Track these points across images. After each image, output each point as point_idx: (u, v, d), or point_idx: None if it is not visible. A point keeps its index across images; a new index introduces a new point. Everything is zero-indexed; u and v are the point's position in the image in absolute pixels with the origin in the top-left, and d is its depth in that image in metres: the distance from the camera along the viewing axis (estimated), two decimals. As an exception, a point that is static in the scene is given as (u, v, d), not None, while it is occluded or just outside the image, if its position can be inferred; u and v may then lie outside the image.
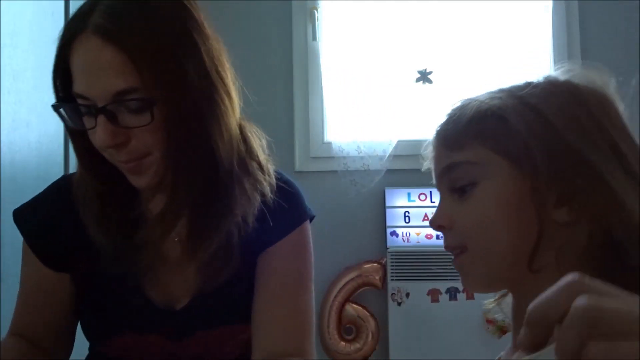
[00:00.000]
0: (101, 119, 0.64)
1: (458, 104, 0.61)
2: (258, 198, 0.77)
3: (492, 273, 0.57)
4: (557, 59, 2.24)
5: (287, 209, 0.81)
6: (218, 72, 0.72)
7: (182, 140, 0.67)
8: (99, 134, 0.64)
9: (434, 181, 0.63)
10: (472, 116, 0.57)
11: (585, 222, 0.53)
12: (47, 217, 0.79)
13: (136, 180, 0.70)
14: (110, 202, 0.73)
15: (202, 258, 0.73)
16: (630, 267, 0.50)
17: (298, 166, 2.26)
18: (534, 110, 0.56)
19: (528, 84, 0.60)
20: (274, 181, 0.83)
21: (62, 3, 1.31)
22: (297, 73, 2.28)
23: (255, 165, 0.81)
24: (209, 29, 0.74)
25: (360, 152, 2.18)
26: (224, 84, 0.74)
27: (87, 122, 0.67)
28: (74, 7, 1.37)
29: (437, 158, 0.61)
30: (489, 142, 0.56)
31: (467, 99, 0.61)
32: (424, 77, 2.24)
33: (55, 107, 0.69)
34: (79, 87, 0.65)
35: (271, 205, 0.79)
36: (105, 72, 0.63)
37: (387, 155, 2.17)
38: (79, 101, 0.66)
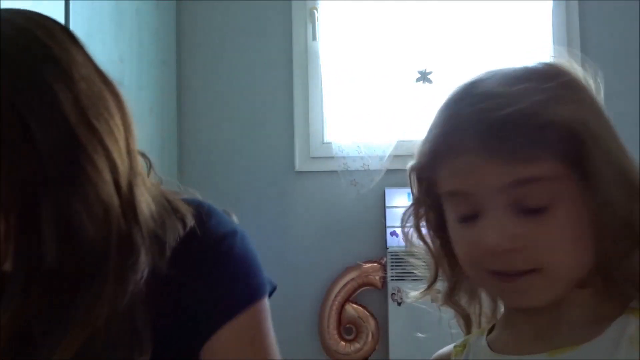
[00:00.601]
0: None
1: (488, 90, 0.54)
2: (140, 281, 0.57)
3: (560, 291, 0.53)
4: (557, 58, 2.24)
5: (228, 287, 0.63)
6: (89, 125, 0.55)
7: (25, 222, 0.53)
8: None
9: (467, 188, 0.53)
10: (541, 122, 0.49)
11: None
12: None
13: None
14: None
15: None
16: None
17: (298, 166, 2.26)
18: (596, 117, 0.54)
19: (549, 76, 0.54)
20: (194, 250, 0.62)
21: (62, 3, 1.31)
22: (297, 73, 2.28)
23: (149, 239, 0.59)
24: (82, 67, 0.57)
25: (360, 152, 2.18)
26: (99, 139, 0.55)
27: None
28: (74, 7, 1.37)
29: (488, 169, 0.51)
30: (561, 155, 0.50)
31: (498, 87, 0.53)
32: (424, 77, 2.23)
33: None
34: None
35: (204, 282, 0.62)
36: None
37: (387, 155, 2.17)
38: None
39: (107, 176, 0.55)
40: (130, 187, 0.58)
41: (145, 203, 0.59)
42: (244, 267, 0.65)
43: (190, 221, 0.62)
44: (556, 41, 2.24)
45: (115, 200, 0.56)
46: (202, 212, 0.64)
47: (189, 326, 0.61)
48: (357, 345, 2.09)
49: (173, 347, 0.61)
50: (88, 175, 0.54)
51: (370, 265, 2.14)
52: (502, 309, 0.63)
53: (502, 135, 0.49)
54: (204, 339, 0.62)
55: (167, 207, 0.62)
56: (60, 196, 0.53)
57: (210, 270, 0.62)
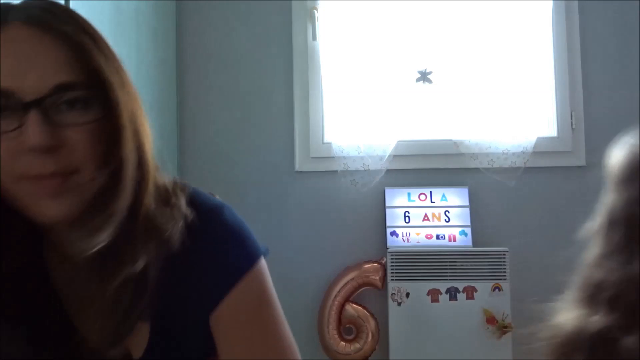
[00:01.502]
0: (34, 114, 0.54)
1: None
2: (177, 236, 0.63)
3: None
4: (557, 58, 2.25)
5: (225, 255, 0.66)
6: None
7: (122, 156, 0.58)
8: (33, 131, 0.53)
9: None
10: None
11: None
12: None
13: (52, 207, 0.57)
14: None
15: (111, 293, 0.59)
16: None
17: (298, 166, 2.26)
18: None
19: None
20: (197, 219, 0.65)
21: (62, 3, 1.31)
22: (297, 73, 2.28)
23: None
24: None
25: (360, 152, 2.18)
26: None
27: (5, 123, 0.54)
28: (73, 7, 1.37)
29: None
30: None
31: None
32: (424, 77, 2.24)
33: None
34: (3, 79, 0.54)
35: (201, 254, 0.65)
36: (42, 63, 0.55)
37: (387, 155, 2.17)
38: None
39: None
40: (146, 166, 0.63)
41: (153, 182, 0.63)
42: (238, 233, 0.68)
43: (185, 200, 0.66)
44: (556, 41, 2.24)
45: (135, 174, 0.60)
46: (188, 191, 0.68)
47: (195, 299, 0.65)
48: (357, 345, 2.09)
49: (183, 321, 0.65)
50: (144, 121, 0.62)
51: (370, 265, 2.14)
52: None
53: None
54: (211, 309, 0.65)
55: (164, 188, 0.66)
56: (139, 133, 0.61)
57: (207, 241, 0.65)
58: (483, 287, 2.01)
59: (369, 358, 2.11)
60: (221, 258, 0.66)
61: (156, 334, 0.64)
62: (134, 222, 0.60)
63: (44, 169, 0.55)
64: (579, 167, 2.23)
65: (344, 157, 2.19)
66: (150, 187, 0.62)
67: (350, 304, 2.13)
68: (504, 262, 2.03)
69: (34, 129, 0.53)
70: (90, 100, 0.57)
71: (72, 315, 0.63)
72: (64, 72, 0.55)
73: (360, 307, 2.13)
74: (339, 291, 2.12)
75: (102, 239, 0.57)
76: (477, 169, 2.20)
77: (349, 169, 2.19)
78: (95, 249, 0.57)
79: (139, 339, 0.63)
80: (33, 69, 0.55)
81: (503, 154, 2.17)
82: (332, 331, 2.10)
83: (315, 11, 2.27)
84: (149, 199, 0.62)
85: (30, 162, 0.55)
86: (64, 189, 0.56)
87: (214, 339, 0.66)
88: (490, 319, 1.99)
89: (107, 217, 0.57)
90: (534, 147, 2.16)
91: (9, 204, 0.58)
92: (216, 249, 0.66)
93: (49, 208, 0.57)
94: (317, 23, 2.26)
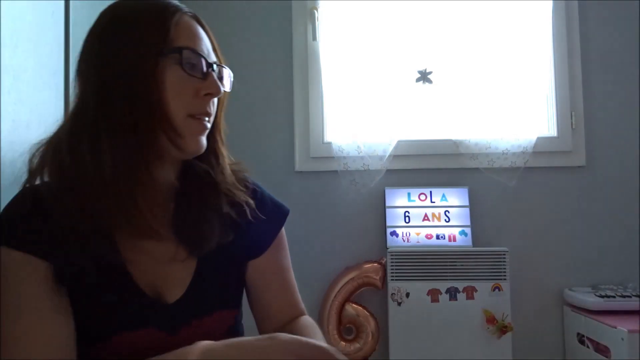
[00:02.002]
0: (212, 72, 0.80)
1: None
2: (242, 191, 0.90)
3: None
4: (557, 58, 2.25)
5: (273, 211, 0.95)
6: None
7: (221, 112, 0.87)
8: (214, 82, 0.79)
9: None
10: None
11: None
12: (46, 227, 0.73)
13: (198, 142, 0.79)
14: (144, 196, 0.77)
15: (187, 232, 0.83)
16: None
17: (298, 166, 2.26)
18: None
19: None
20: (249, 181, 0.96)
21: (62, 3, 1.31)
22: (297, 73, 2.28)
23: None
24: None
25: (360, 152, 2.18)
26: None
27: (195, 72, 0.78)
28: (74, 7, 1.37)
29: None
30: None
31: None
32: (424, 77, 2.24)
33: (179, 50, 0.76)
34: (192, 44, 0.78)
35: (255, 211, 0.90)
36: (208, 43, 0.82)
37: (387, 155, 2.17)
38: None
39: None
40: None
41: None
42: (274, 202, 0.99)
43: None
44: (556, 41, 2.24)
45: None
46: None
47: (245, 246, 0.90)
48: (357, 345, 2.09)
49: (231, 260, 0.89)
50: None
51: (370, 265, 2.14)
52: None
53: None
54: (255, 256, 0.93)
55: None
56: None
57: (260, 208, 0.91)
58: (483, 287, 2.01)
59: (369, 358, 2.11)
60: (275, 210, 0.96)
61: (200, 274, 0.84)
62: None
63: (210, 110, 0.80)
64: (579, 167, 2.23)
65: (344, 157, 2.19)
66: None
67: (350, 304, 2.13)
68: (504, 262, 2.03)
69: (214, 81, 0.79)
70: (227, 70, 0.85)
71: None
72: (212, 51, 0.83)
73: (360, 307, 2.14)
74: (339, 291, 2.12)
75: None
76: (477, 169, 2.20)
77: (349, 169, 2.20)
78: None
79: (184, 275, 0.83)
80: (205, 44, 0.81)
81: (503, 154, 2.17)
82: (332, 331, 2.10)
83: (315, 11, 2.27)
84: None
85: (203, 104, 0.78)
86: (206, 129, 0.80)
87: (248, 282, 0.94)
88: (490, 319, 1.99)
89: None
90: (534, 147, 2.16)
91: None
92: (269, 205, 0.95)
93: (198, 143, 0.79)
94: (317, 23, 2.27)
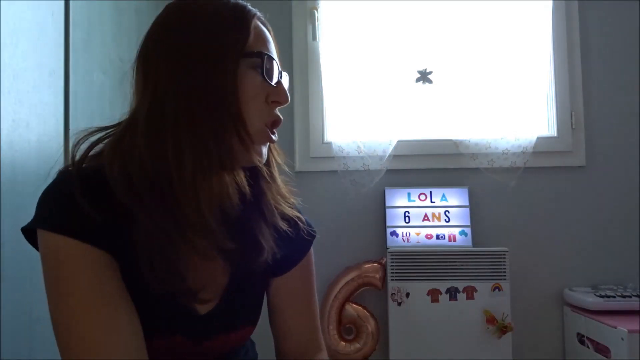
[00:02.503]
0: (284, 77, 0.80)
1: None
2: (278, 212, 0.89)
3: None
4: (557, 58, 2.25)
5: (304, 230, 0.94)
6: None
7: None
8: (284, 91, 0.77)
9: None
10: None
11: None
12: (98, 214, 0.69)
13: (263, 153, 0.78)
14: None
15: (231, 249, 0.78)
16: None
17: (298, 166, 2.26)
18: None
19: None
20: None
21: (62, 3, 1.31)
22: (297, 73, 2.28)
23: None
24: None
25: (360, 152, 2.18)
26: None
27: (268, 78, 0.76)
28: (74, 7, 1.37)
29: None
30: None
31: None
32: (424, 77, 2.24)
33: (260, 55, 0.76)
34: (266, 49, 0.78)
35: (290, 229, 0.89)
36: (274, 49, 0.82)
37: (387, 155, 2.17)
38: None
39: None
40: None
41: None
42: (306, 219, 0.98)
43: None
44: (556, 41, 2.24)
45: None
46: None
47: (273, 261, 0.85)
48: (357, 345, 2.09)
49: (260, 275, 0.88)
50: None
51: (370, 265, 2.14)
52: None
53: None
54: (281, 273, 0.92)
55: None
56: None
57: (293, 230, 0.91)
58: (483, 287, 2.01)
59: (369, 358, 2.11)
60: (298, 238, 0.92)
61: (232, 286, 0.83)
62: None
63: (278, 117, 0.77)
64: (579, 167, 2.23)
65: (344, 157, 2.19)
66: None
67: (350, 304, 2.13)
68: (504, 262, 2.03)
69: (284, 90, 0.77)
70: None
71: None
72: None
73: (360, 307, 2.14)
74: (339, 291, 2.12)
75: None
76: (477, 169, 2.20)
77: (349, 169, 2.20)
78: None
79: (217, 288, 0.81)
80: (275, 52, 0.81)
81: (503, 154, 2.17)
82: (332, 331, 2.10)
83: (315, 11, 2.27)
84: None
85: (270, 112, 0.76)
86: (273, 141, 0.78)
87: (270, 299, 0.93)
88: (490, 319, 1.99)
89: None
90: (534, 147, 2.16)
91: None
92: (300, 226, 0.94)
93: (261, 153, 0.77)
94: (317, 23, 2.27)
